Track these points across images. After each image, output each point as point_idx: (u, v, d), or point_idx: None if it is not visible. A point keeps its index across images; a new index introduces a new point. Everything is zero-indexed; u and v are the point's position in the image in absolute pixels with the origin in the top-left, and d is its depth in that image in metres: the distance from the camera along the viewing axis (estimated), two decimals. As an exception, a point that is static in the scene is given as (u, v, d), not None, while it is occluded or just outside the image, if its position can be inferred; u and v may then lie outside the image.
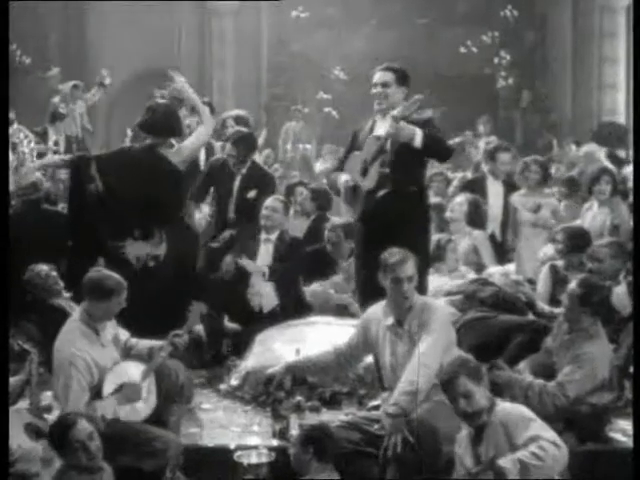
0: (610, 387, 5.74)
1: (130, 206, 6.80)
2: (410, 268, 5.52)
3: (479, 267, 8.06)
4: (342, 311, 7.42)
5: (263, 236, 7.51)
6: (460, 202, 8.32)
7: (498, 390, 5.23)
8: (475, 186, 8.99)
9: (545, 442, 4.51)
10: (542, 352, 6.00)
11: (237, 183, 7.91)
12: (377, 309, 5.75)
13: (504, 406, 4.76)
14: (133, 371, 5.55)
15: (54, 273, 6.93)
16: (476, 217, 8.39)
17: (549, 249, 7.70)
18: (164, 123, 6.98)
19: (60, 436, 4.85)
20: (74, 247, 7.09)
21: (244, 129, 8.34)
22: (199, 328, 7.02)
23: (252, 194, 7.83)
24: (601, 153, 11.07)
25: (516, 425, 4.60)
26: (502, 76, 15.90)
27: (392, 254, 5.56)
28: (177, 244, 6.91)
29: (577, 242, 7.25)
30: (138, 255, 6.83)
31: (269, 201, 7.52)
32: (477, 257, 8.21)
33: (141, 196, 6.78)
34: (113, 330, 5.69)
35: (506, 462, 4.49)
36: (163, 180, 6.86)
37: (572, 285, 5.86)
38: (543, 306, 7.02)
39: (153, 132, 6.98)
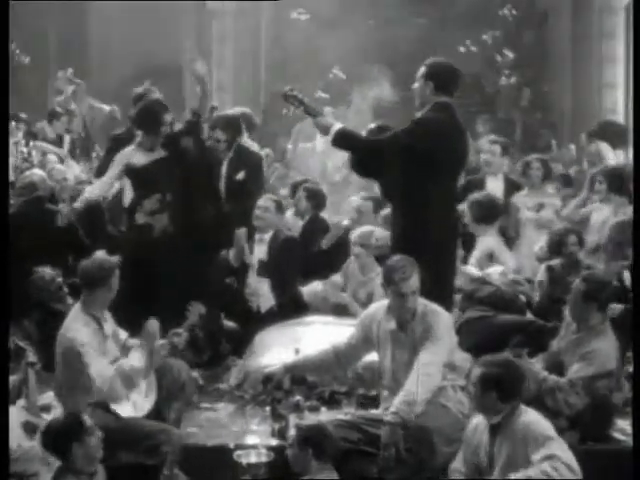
0: (618, 385, 5.75)
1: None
2: (414, 283, 5.46)
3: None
4: (341, 311, 7.41)
5: (257, 236, 7.51)
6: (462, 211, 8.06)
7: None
8: (474, 183, 8.94)
9: (560, 464, 4.52)
10: (550, 353, 6.00)
11: (225, 167, 7.91)
12: (378, 308, 5.73)
13: (528, 417, 4.75)
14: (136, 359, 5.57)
15: (59, 279, 6.93)
16: (487, 214, 8.26)
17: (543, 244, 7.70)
18: (140, 116, 7.11)
19: (65, 443, 4.78)
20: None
21: (229, 113, 8.33)
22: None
23: (240, 175, 7.85)
24: (610, 153, 11.04)
25: (535, 440, 4.61)
26: (505, 74, 15.89)
27: (396, 269, 5.49)
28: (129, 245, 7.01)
29: (552, 246, 7.28)
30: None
31: (261, 201, 7.54)
32: (490, 262, 8.14)
33: None
34: (112, 326, 5.74)
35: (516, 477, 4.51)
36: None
37: (576, 282, 5.87)
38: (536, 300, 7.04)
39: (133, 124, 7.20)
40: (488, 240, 7.88)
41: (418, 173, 5.90)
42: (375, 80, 10.75)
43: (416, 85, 6.12)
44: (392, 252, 6.02)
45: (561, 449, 4.62)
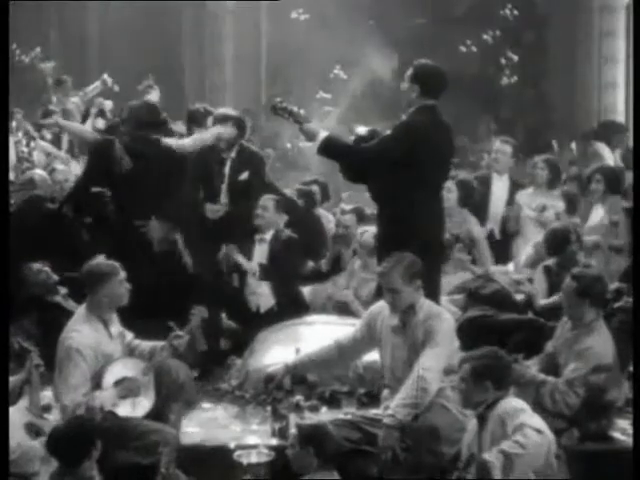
0: (615, 381, 5.75)
1: (151, 187, 6.93)
2: (393, 280, 5.43)
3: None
4: (342, 308, 7.42)
5: (257, 236, 7.51)
6: (448, 187, 8.05)
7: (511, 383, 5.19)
8: (479, 182, 8.97)
9: (528, 429, 4.56)
10: (546, 354, 5.99)
11: (228, 167, 7.91)
12: (384, 305, 5.69)
13: (507, 400, 4.80)
14: (133, 367, 5.58)
15: (47, 269, 6.95)
16: (468, 198, 8.33)
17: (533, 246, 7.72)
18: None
19: (74, 459, 4.79)
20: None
21: (233, 114, 8.33)
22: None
23: (244, 176, 7.86)
24: (607, 153, 11.06)
25: (509, 416, 4.66)
26: (506, 74, 15.90)
27: (384, 262, 5.53)
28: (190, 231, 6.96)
29: (554, 245, 7.27)
30: (158, 237, 6.92)
31: (261, 200, 7.55)
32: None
33: (156, 182, 6.94)
34: (119, 328, 5.76)
35: (490, 455, 4.55)
36: (171, 169, 6.99)
37: (567, 281, 5.86)
38: (543, 302, 7.02)
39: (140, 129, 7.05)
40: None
41: (403, 176, 5.92)
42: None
43: (403, 86, 6.14)
44: (377, 252, 6.14)
45: (529, 415, 4.68)
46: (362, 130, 6.31)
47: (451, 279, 7.56)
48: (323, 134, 6.00)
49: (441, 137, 6.10)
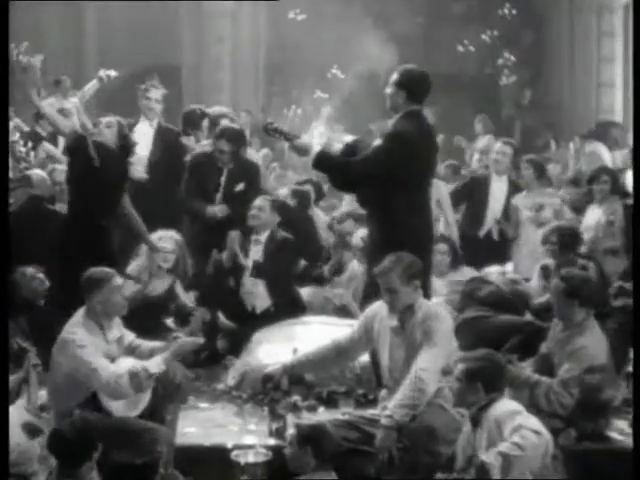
0: (611, 381, 5.75)
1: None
2: (393, 281, 5.44)
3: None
4: (340, 311, 7.42)
5: (253, 237, 7.51)
6: None
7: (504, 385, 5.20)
8: (479, 182, 8.97)
9: (526, 431, 4.59)
10: (540, 355, 5.99)
11: (224, 177, 7.90)
12: (382, 305, 5.69)
13: (502, 402, 4.82)
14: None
15: (41, 275, 6.91)
16: None
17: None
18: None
19: (76, 462, 4.78)
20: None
21: (235, 125, 8.33)
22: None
23: (241, 187, 7.85)
24: (605, 153, 11.06)
25: (505, 419, 4.69)
26: (504, 74, 15.90)
27: (381, 262, 5.54)
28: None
29: (569, 241, 7.24)
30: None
31: (256, 200, 7.55)
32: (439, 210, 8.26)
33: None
34: (119, 332, 5.76)
35: (488, 456, 4.58)
36: None
37: (555, 281, 5.87)
38: (537, 300, 7.03)
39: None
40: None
41: (391, 182, 5.97)
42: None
43: (388, 90, 6.17)
44: (368, 255, 6.23)
45: (525, 417, 4.71)
46: (348, 139, 6.38)
47: (443, 280, 7.60)
48: (316, 149, 6.07)
49: (427, 141, 6.18)
